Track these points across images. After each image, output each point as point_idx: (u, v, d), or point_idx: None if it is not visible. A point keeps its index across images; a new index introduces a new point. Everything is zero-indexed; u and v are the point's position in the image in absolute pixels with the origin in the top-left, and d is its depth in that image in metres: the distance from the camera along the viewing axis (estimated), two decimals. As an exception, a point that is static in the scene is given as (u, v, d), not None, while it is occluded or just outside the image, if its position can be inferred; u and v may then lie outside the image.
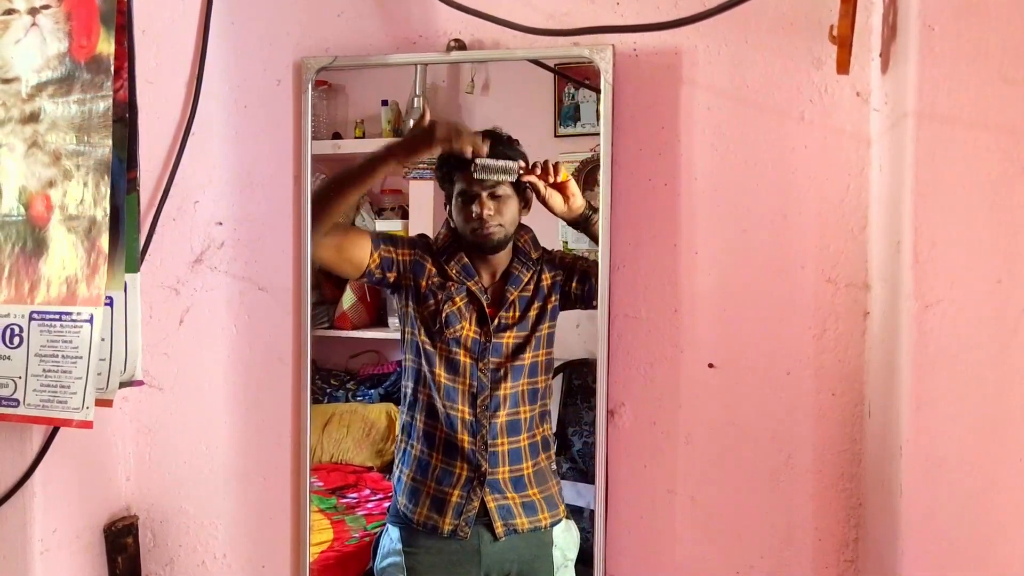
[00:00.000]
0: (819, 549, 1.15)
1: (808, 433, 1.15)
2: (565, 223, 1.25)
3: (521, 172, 1.22)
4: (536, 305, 1.28)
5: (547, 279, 1.28)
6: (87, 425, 1.05)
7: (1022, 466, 0.91)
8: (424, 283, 1.29)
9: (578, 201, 1.22)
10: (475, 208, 1.26)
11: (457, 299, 1.28)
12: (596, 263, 1.19)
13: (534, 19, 1.19)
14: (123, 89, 1.10)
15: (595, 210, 1.21)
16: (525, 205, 1.28)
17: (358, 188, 1.30)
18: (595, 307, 1.19)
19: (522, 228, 1.30)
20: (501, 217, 1.26)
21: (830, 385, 1.14)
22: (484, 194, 1.25)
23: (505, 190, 1.26)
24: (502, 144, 1.25)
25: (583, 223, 1.23)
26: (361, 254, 1.29)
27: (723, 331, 1.17)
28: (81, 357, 1.05)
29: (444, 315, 1.28)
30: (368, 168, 1.27)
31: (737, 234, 1.16)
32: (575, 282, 1.27)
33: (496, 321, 1.27)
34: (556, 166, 1.22)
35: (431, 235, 1.34)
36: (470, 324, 1.28)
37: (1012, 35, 0.89)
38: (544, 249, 1.30)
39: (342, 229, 1.31)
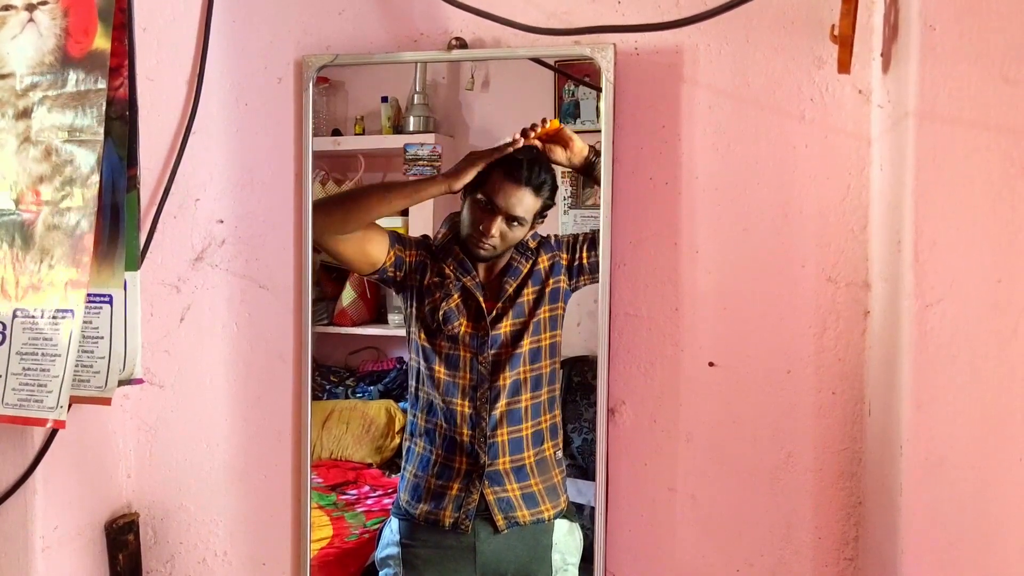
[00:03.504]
0: (819, 547, 1.16)
1: (808, 431, 1.15)
2: (575, 172, 1.25)
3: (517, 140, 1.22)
4: (532, 289, 1.28)
5: (544, 261, 1.28)
6: (60, 425, 1.04)
7: (1022, 465, 0.91)
8: (425, 282, 1.30)
9: (578, 145, 1.22)
10: (484, 222, 1.25)
11: (455, 295, 1.28)
12: (599, 231, 1.19)
13: (535, 18, 1.19)
14: (123, 87, 1.10)
15: (598, 153, 1.21)
16: (534, 227, 1.29)
17: (403, 201, 1.32)
18: None
19: None
20: (501, 241, 1.26)
21: (830, 384, 1.14)
22: (500, 217, 1.25)
23: (524, 217, 1.25)
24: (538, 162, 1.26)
25: (590, 168, 1.23)
26: (379, 252, 1.30)
27: (723, 330, 1.17)
28: (59, 355, 1.04)
29: (441, 312, 1.28)
30: (417, 186, 1.31)
31: (738, 233, 1.16)
32: (584, 251, 1.26)
33: (493, 313, 1.27)
34: (544, 120, 1.22)
35: (431, 233, 1.34)
36: (467, 320, 1.28)
37: (1013, 35, 0.89)
38: (542, 237, 1.30)
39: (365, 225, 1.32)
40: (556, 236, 1.29)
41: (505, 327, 1.27)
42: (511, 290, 1.28)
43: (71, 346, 1.04)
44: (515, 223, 1.25)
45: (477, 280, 1.29)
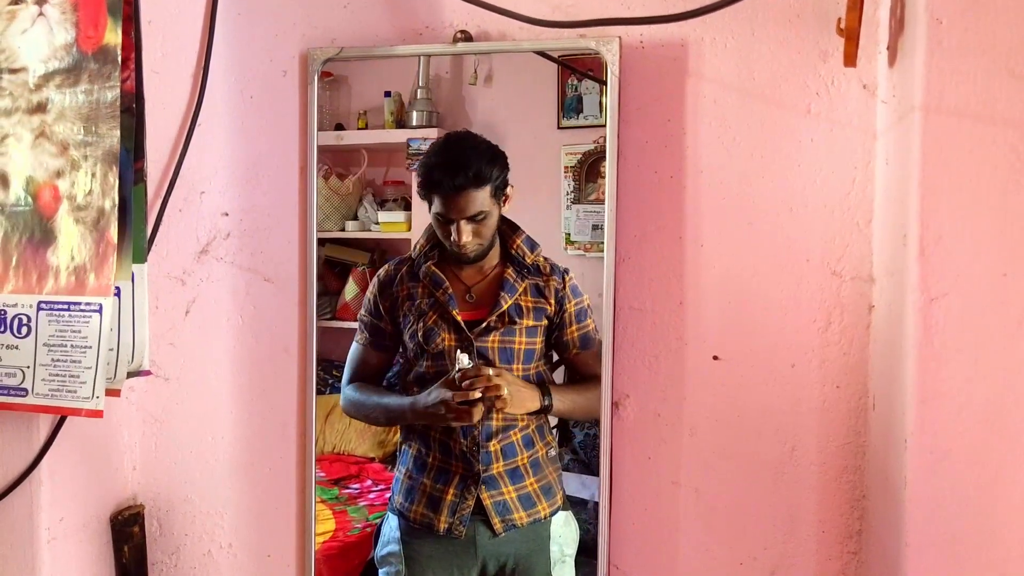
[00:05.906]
0: (822, 541, 1.16)
1: (812, 425, 1.15)
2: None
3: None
4: (525, 299, 1.27)
5: (536, 283, 1.28)
6: (97, 414, 1.05)
7: (1026, 459, 0.92)
8: (401, 310, 1.29)
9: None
10: (453, 233, 1.23)
11: (430, 313, 1.27)
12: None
13: (540, 11, 1.19)
14: (130, 79, 1.10)
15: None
16: (504, 202, 1.26)
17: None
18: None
19: (514, 231, 1.28)
20: (479, 237, 1.25)
21: (834, 378, 1.14)
22: (462, 221, 1.23)
23: (485, 210, 1.23)
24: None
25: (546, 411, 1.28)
26: (372, 360, 1.35)
27: (728, 324, 1.18)
28: (91, 347, 1.05)
29: (422, 333, 1.27)
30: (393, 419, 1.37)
31: (742, 227, 1.16)
32: (571, 326, 1.28)
33: (483, 324, 1.26)
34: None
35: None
36: (448, 333, 1.27)
37: (1020, 29, 0.89)
38: (542, 260, 1.28)
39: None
40: (559, 298, 1.27)
41: (493, 342, 1.26)
42: (505, 305, 1.26)
43: (102, 337, 1.05)
44: (479, 218, 1.23)
45: (449, 293, 1.27)
